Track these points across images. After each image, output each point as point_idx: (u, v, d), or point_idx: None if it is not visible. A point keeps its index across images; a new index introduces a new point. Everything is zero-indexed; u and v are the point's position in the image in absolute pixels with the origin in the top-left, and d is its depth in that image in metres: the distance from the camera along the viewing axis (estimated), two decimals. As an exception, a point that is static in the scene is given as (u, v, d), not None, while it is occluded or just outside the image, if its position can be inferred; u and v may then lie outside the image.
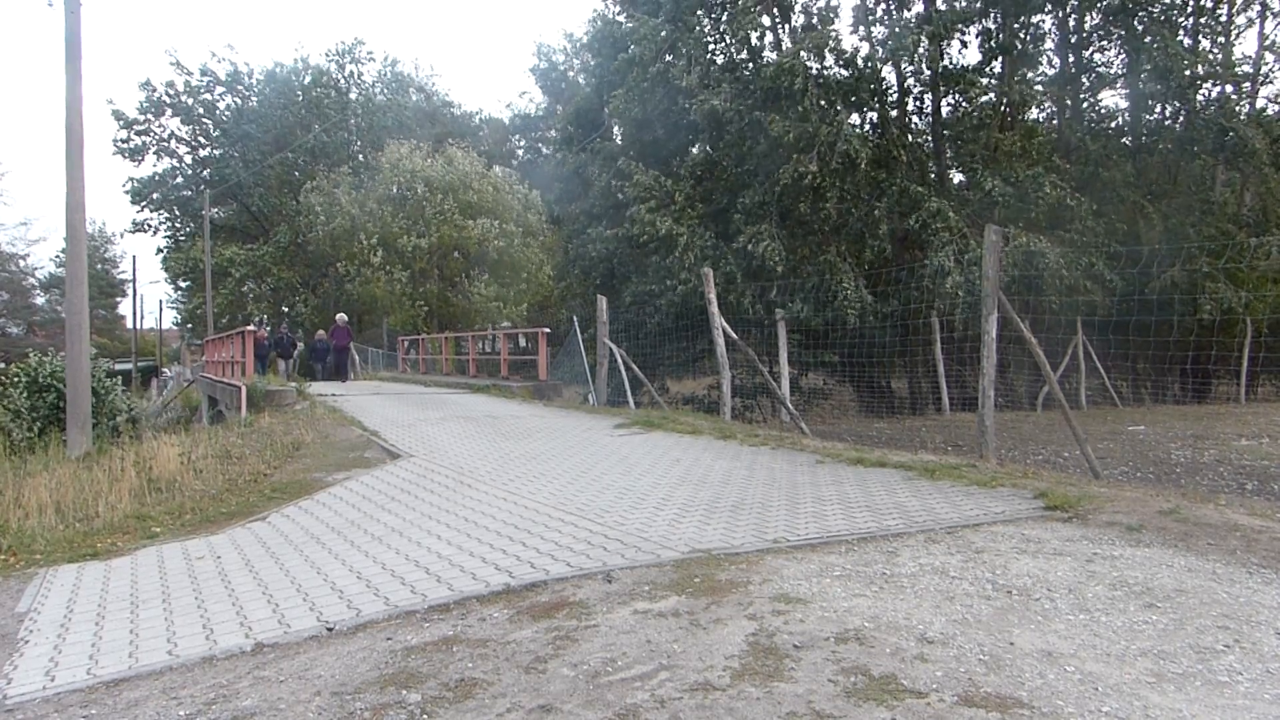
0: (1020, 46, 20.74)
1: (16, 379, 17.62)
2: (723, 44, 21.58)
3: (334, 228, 33.46)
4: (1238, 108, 21.78)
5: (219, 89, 43.54)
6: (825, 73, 19.33)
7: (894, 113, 20.53)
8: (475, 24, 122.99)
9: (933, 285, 16.54)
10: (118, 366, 38.27)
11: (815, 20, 21.36)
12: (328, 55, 45.79)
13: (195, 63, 43.26)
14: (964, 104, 21.44)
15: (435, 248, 32.41)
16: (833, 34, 19.50)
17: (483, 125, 53.11)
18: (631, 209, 19.63)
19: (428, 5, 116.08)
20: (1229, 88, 21.95)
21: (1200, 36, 22.24)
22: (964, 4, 19.38)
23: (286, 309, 39.51)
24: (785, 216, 19.26)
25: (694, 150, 23.79)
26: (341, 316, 25.73)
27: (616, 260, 21.64)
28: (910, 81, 20.88)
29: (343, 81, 45.04)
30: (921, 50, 18.48)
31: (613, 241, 20.81)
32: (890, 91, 20.64)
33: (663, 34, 19.88)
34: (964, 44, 20.40)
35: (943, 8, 19.48)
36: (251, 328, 21.29)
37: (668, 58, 20.22)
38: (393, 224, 32.11)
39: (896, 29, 19.51)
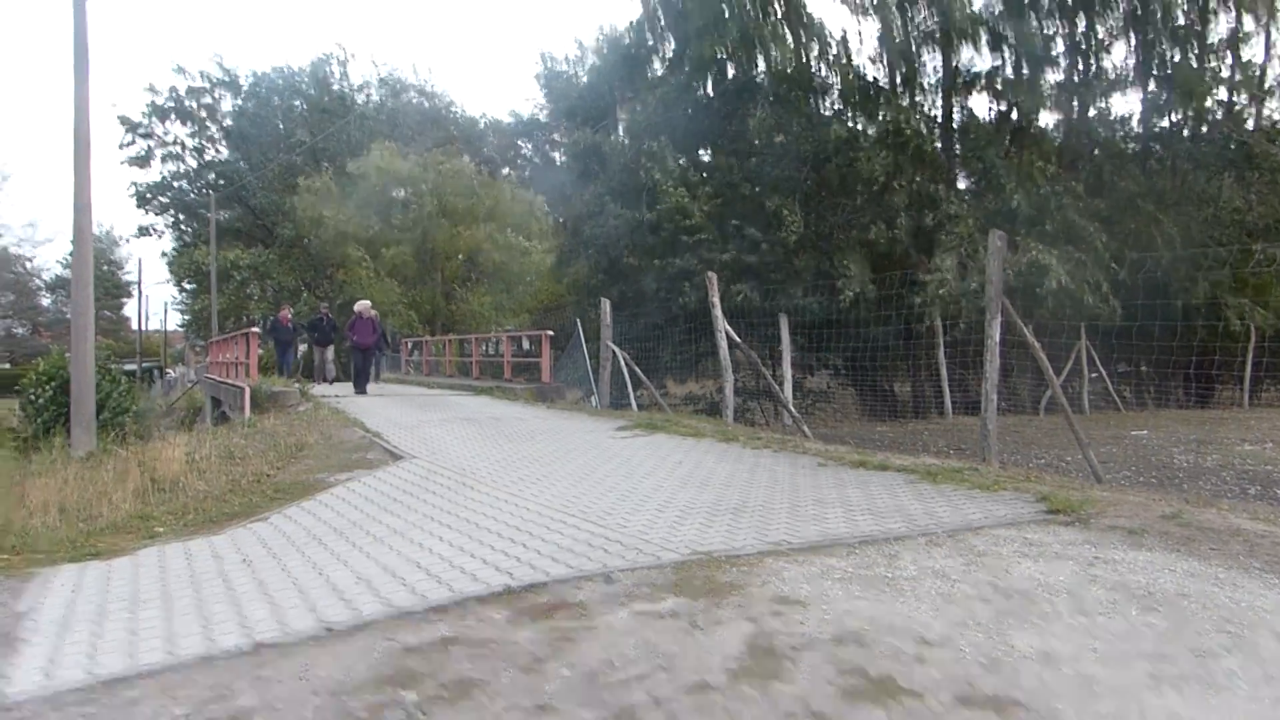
0: (1032, 52, 20.77)
1: (44, 377, 17.62)
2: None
3: (327, 235, 33.37)
4: (1246, 114, 21.78)
5: (221, 92, 43.69)
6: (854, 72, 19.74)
7: (905, 118, 20.63)
8: (479, 29, 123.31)
9: (930, 290, 16.59)
10: (124, 367, 38.52)
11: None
12: (312, 64, 45.60)
13: (198, 67, 43.34)
14: (976, 110, 21.55)
15: (424, 253, 32.04)
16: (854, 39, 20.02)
17: (488, 129, 53.15)
18: (661, 187, 19.69)
19: (432, 10, 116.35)
20: (1238, 95, 21.93)
21: (1210, 44, 22.20)
22: (979, 10, 19.50)
23: (276, 315, 39.39)
24: (809, 197, 19.43)
25: (707, 147, 23.97)
26: (364, 304, 18.74)
27: (628, 246, 21.55)
28: (925, 84, 21.04)
29: (337, 84, 45.06)
30: (935, 55, 18.70)
31: (631, 224, 20.66)
32: (903, 94, 20.78)
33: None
34: (981, 48, 20.48)
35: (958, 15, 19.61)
36: (255, 329, 21.09)
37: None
38: (379, 234, 31.71)
39: (910, 34, 19.68)
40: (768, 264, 18.69)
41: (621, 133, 25.31)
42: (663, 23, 25.31)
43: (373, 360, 18.88)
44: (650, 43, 24.65)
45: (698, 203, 19.39)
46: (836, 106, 18.78)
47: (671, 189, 19.43)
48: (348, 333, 18.33)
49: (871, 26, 21.63)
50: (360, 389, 17.44)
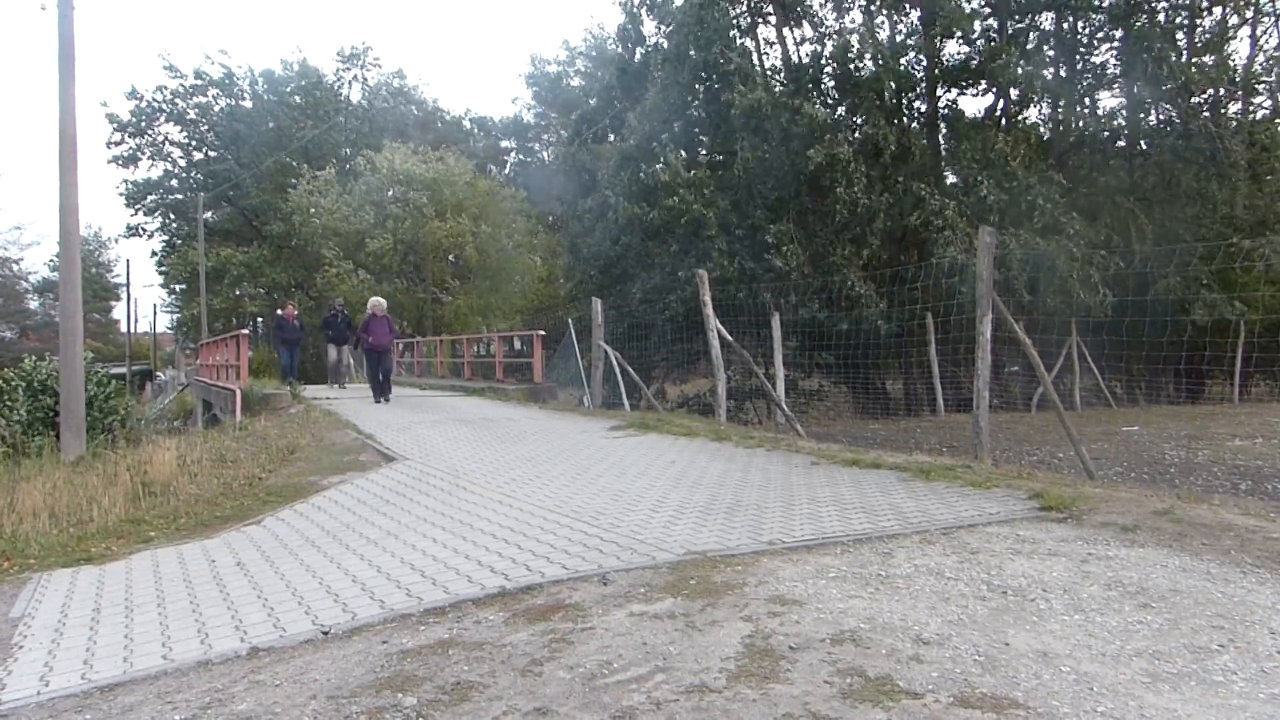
0: (1019, 46, 20.85)
1: (14, 384, 17.62)
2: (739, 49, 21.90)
3: (314, 231, 33.25)
4: (1230, 110, 21.90)
5: (213, 91, 43.52)
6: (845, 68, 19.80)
7: (894, 115, 20.68)
8: (466, 29, 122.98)
9: (943, 284, 16.54)
10: (112, 370, 38.34)
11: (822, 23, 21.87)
12: (337, 56, 46.02)
13: (189, 65, 43.41)
14: (961, 103, 21.64)
15: (405, 247, 31.66)
16: (851, 37, 20.02)
17: (474, 126, 53.18)
18: (664, 183, 19.73)
19: (417, 11, 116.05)
20: (1223, 92, 22.07)
21: (1196, 41, 22.33)
22: (967, 5, 19.57)
23: (280, 312, 39.21)
24: (803, 215, 19.49)
25: (702, 151, 24.00)
26: (379, 302, 16.93)
27: (629, 252, 21.48)
28: (910, 80, 21.05)
29: (345, 86, 45.15)
30: (920, 49, 18.75)
31: (632, 223, 20.55)
32: (889, 90, 20.83)
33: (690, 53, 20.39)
34: (969, 41, 20.51)
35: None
36: (246, 330, 20.84)
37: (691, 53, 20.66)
38: (366, 228, 31.46)
39: (898, 30, 19.76)
40: (759, 271, 18.72)
41: (616, 140, 25.36)
42: (647, 36, 25.60)
43: (391, 364, 17.19)
44: (644, 52, 24.80)
45: (704, 200, 19.43)
46: (827, 102, 18.85)
47: (677, 186, 19.44)
48: (362, 333, 16.61)
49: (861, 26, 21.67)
50: (379, 396, 16.05)
